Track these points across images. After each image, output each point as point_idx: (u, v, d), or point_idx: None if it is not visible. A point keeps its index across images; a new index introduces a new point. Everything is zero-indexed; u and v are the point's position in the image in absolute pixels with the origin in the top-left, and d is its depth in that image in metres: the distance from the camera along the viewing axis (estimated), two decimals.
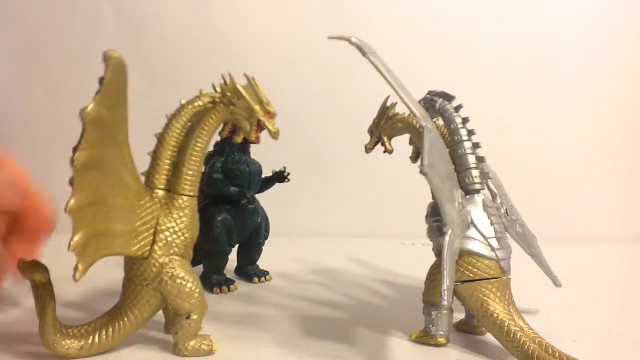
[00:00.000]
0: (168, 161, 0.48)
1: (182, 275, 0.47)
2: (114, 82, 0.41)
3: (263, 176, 0.75)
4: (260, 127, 0.46)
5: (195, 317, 0.48)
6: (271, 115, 0.46)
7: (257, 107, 0.46)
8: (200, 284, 0.48)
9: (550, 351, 0.45)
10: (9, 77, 1.18)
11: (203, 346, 0.48)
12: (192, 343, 0.48)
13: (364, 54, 0.46)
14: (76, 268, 0.40)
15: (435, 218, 0.52)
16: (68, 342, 0.45)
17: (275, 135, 0.46)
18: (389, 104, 0.57)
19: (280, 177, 0.77)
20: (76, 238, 0.40)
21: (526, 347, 0.46)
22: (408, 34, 1.16)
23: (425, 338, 0.52)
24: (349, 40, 0.45)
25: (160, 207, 0.47)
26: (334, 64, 1.16)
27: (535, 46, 1.16)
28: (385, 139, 0.57)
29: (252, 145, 0.71)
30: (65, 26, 1.19)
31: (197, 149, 0.47)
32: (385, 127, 0.57)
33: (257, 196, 0.77)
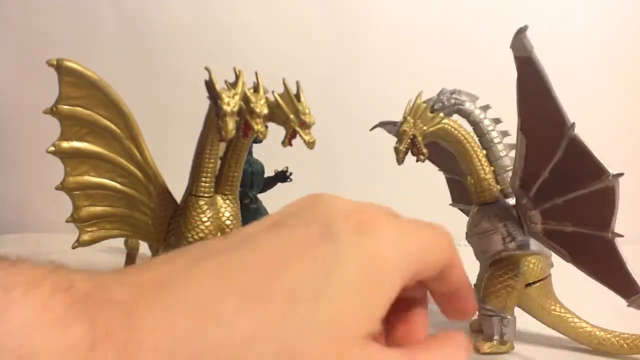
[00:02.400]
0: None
1: None
2: (71, 83, 0.46)
3: (265, 176, 0.75)
4: (294, 135, 0.45)
5: None
6: (306, 125, 0.44)
7: (291, 116, 0.44)
8: None
9: (611, 333, 0.50)
10: (9, 77, 1.18)
11: None
12: None
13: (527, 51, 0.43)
14: (77, 239, 0.49)
15: (504, 222, 0.50)
16: None
17: (309, 145, 0.44)
18: (421, 100, 0.51)
19: (282, 176, 0.77)
20: (75, 214, 0.48)
21: (595, 333, 0.50)
22: (408, 34, 1.17)
23: (495, 347, 0.51)
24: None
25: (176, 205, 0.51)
26: (335, 63, 1.16)
27: (537, 46, 1.16)
28: (420, 139, 0.49)
29: (254, 145, 0.71)
30: (65, 26, 1.19)
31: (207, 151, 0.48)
32: (424, 126, 0.49)
33: (259, 196, 0.77)
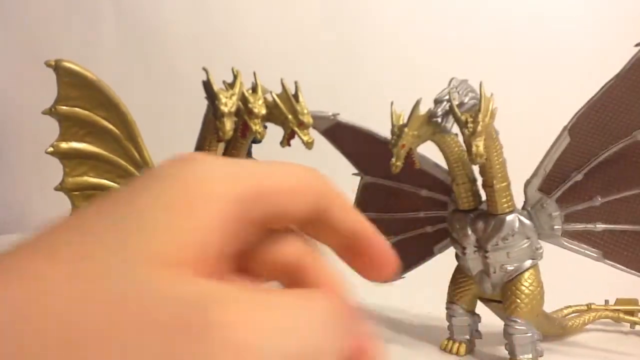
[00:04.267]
0: None
1: None
2: (69, 84, 0.46)
3: None
4: (293, 135, 0.44)
5: None
6: (304, 125, 0.44)
7: (290, 117, 0.44)
8: None
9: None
10: (9, 77, 1.18)
11: None
12: None
13: None
14: None
15: (528, 232, 0.48)
16: None
17: (308, 145, 0.44)
18: (419, 109, 0.45)
19: None
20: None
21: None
22: (408, 34, 1.17)
23: None
24: None
25: None
26: (334, 63, 1.16)
27: (536, 45, 1.16)
28: (416, 151, 0.45)
29: (253, 145, 0.71)
30: (65, 26, 1.19)
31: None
32: (421, 138, 0.45)
33: None
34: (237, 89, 0.43)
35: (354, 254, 0.17)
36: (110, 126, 0.48)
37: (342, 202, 0.17)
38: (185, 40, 1.17)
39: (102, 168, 0.48)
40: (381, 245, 0.17)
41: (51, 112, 0.46)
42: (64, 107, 0.46)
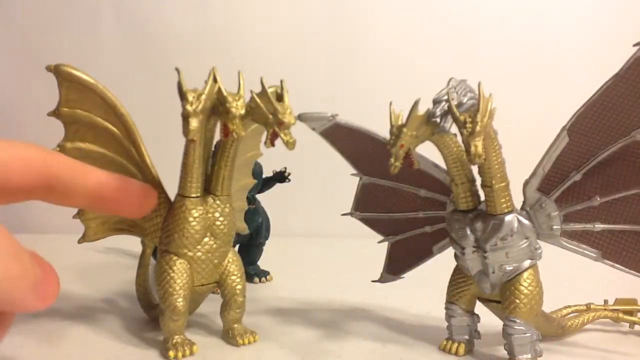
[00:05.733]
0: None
1: (165, 270, 0.48)
2: (69, 87, 0.47)
3: (263, 176, 0.75)
4: (276, 135, 0.43)
5: (165, 315, 0.48)
6: (285, 125, 0.42)
7: (270, 116, 0.43)
8: (181, 289, 0.48)
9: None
10: (9, 77, 1.18)
11: (179, 347, 0.48)
12: (172, 341, 0.48)
13: None
14: (83, 234, 0.52)
15: (527, 233, 0.48)
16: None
17: (288, 145, 0.43)
18: (418, 109, 0.44)
19: (280, 177, 0.78)
20: (80, 211, 0.50)
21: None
22: (408, 34, 1.17)
23: None
24: None
25: (169, 204, 0.50)
26: (333, 63, 1.16)
27: (535, 45, 1.16)
28: (414, 151, 0.44)
29: None
30: (65, 26, 1.19)
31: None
32: (420, 139, 0.44)
33: (258, 196, 0.77)
34: (207, 89, 0.44)
35: (105, 203, 0.22)
36: (111, 127, 0.49)
37: (72, 165, 0.22)
38: (186, 40, 1.17)
39: (106, 167, 0.48)
40: (132, 184, 0.22)
41: (55, 114, 0.48)
42: (67, 109, 0.48)
